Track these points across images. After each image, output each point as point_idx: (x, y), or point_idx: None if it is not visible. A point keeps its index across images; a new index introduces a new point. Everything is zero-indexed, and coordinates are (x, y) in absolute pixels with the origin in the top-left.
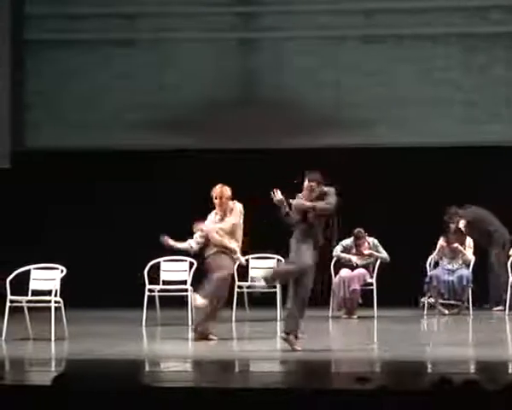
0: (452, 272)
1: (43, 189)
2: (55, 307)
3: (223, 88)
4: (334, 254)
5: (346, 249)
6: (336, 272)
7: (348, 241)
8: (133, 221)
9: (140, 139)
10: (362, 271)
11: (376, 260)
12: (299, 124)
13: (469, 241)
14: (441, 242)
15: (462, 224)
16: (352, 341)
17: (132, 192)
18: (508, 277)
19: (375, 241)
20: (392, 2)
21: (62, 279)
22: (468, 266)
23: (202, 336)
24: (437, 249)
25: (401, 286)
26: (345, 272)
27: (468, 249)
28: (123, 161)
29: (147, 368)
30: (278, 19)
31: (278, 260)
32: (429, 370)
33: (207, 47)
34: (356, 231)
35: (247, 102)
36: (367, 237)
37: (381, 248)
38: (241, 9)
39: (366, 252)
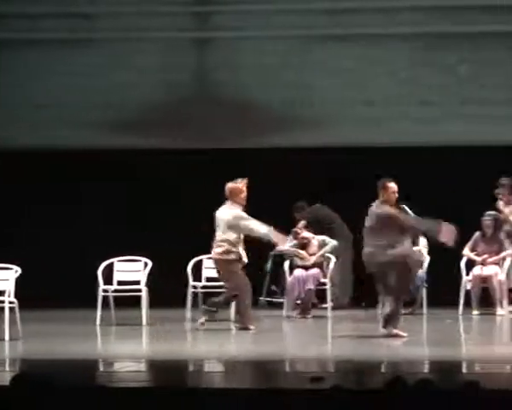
0: None
1: None
2: (10, 308)
3: (178, 87)
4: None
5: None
6: (291, 273)
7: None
8: (86, 221)
9: (95, 139)
10: (316, 271)
11: (329, 260)
12: (255, 123)
13: (423, 240)
14: None
15: (301, 224)
16: (306, 340)
17: (83, 192)
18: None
19: (325, 238)
20: (352, 2)
21: (17, 279)
22: (422, 265)
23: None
24: None
25: (357, 287)
26: (299, 271)
27: (423, 249)
28: (77, 160)
29: (101, 368)
30: (234, 18)
31: None
32: (383, 369)
33: (163, 46)
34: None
35: (202, 102)
36: (316, 236)
37: (327, 240)
38: (197, 9)
39: (314, 253)
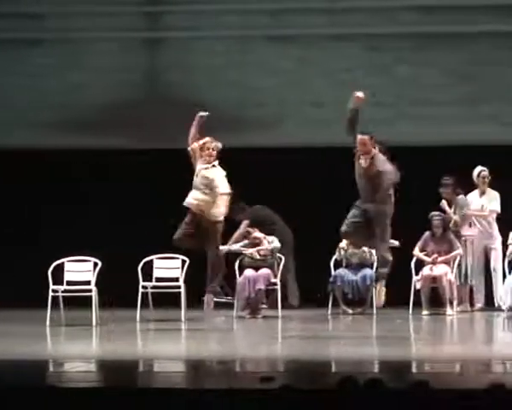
0: (356, 271)
1: None
2: None
3: (129, 88)
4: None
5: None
6: (241, 272)
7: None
8: (38, 221)
9: (47, 139)
10: (266, 271)
11: (280, 260)
12: (206, 124)
13: None
14: (343, 243)
15: (244, 223)
16: (257, 340)
17: (35, 192)
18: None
19: (273, 238)
20: (297, 3)
21: None
22: (371, 265)
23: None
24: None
25: (306, 286)
26: (249, 271)
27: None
28: (28, 161)
29: (51, 368)
30: (185, 18)
31: (183, 260)
32: (333, 369)
33: (115, 46)
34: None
35: (153, 102)
36: (268, 237)
37: (275, 244)
38: (148, 9)
39: (262, 253)
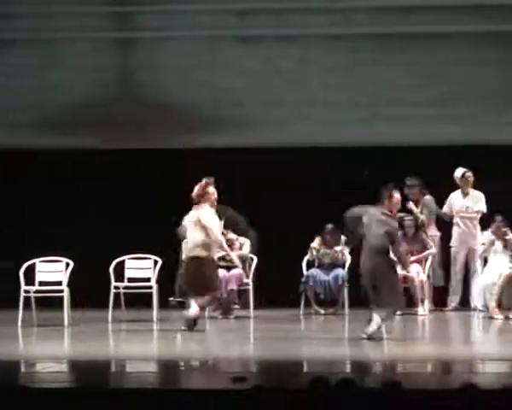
0: (328, 271)
1: None
2: None
3: (102, 88)
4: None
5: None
6: None
7: None
8: (12, 221)
9: (21, 139)
10: (239, 271)
11: (252, 261)
12: (177, 124)
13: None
14: (315, 243)
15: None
16: (229, 341)
17: (12, 192)
18: None
19: (245, 240)
20: (266, 3)
21: None
22: (343, 265)
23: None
24: (311, 249)
25: (279, 286)
26: (222, 272)
27: (345, 249)
28: (4, 160)
29: (23, 369)
30: (156, 18)
31: (155, 260)
32: (305, 369)
33: (88, 46)
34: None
35: (125, 102)
36: (240, 238)
37: (245, 247)
38: (120, 9)
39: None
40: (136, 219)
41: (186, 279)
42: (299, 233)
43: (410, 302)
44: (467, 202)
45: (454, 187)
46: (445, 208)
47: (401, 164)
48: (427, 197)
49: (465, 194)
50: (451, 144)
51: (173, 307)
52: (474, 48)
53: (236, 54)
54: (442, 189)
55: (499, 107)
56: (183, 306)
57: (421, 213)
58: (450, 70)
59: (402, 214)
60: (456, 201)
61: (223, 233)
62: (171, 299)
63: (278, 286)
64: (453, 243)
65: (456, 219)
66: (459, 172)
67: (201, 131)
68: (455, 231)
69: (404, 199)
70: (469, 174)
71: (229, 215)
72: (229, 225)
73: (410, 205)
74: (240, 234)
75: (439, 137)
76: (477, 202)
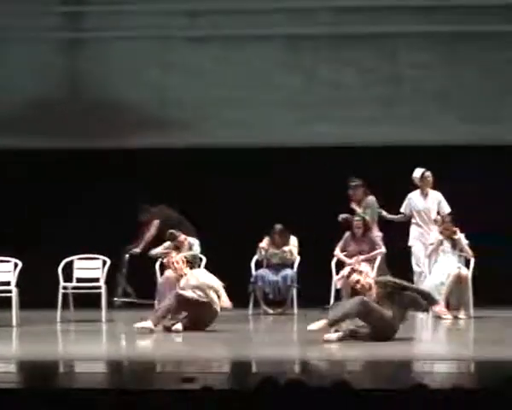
0: (277, 271)
1: None
2: None
3: (50, 88)
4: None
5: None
6: (162, 273)
7: (166, 243)
8: None
9: None
10: None
11: (201, 261)
12: (125, 124)
13: (294, 240)
14: (263, 244)
15: (155, 224)
16: (178, 341)
17: None
18: None
19: (194, 240)
20: (216, 3)
21: None
22: (292, 265)
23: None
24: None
25: (227, 286)
26: (170, 272)
27: (293, 248)
28: None
29: None
30: (104, 19)
31: (104, 261)
32: (254, 369)
33: (35, 46)
34: (169, 232)
35: (73, 102)
36: (189, 238)
37: (194, 247)
38: (70, 9)
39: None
40: (84, 219)
41: None
42: (247, 233)
43: None
44: (428, 203)
45: (399, 187)
46: (404, 209)
47: (343, 165)
48: (370, 198)
49: (425, 194)
50: (394, 145)
51: (119, 308)
52: (418, 48)
53: (186, 54)
54: (380, 190)
55: (445, 107)
56: (128, 306)
57: (365, 213)
58: (393, 70)
59: (348, 215)
60: (416, 201)
61: (174, 235)
62: (115, 299)
63: (227, 286)
64: (412, 242)
65: (416, 220)
66: (418, 172)
67: (150, 131)
68: (414, 230)
69: (348, 200)
70: (428, 174)
71: (168, 214)
72: (174, 224)
73: (353, 206)
74: (186, 233)
75: (382, 137)
76: (437, 202)
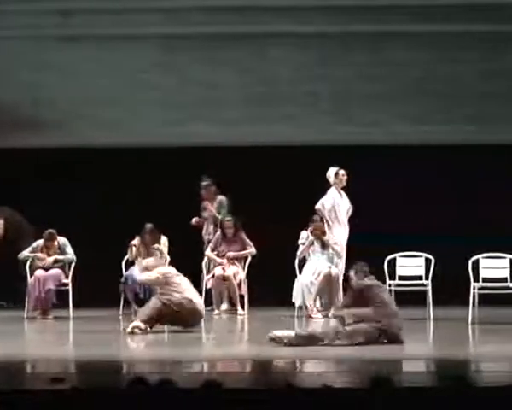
0: None
1: None
2: None
3: None
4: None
5: (34, 250)
6: (32, 274)
7: (40, 241)
8: None
9: None
10: (57, 271)
11: (70, 262)
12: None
13: (164, 239)
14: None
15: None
16: (47, 341)
17: None
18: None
19: (65, 241)
20: (88, 3)
21: None
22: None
23: None
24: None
25: (98, 287)
26: (40, 272)
27: (164, 248)
28: None
29: None
30: None
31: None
32: (125, 369)
33: None
34: (47, 232)
35: None
36: (58, 237)
37: (68, 249)
38: None
39: (53, 257)
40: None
41: None
42: (119, 233)
43: (230, 302)
44: (345, 201)
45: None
46: (328, 205)
47: (221, 164)
48: (222, 197)
49: (340, 193)
50: (269, 145)
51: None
52: (291, 49)
53: (59, 54)
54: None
55: (317, 108)
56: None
57: (219, 213)
58: (269, 70)
59: (200, 219)
60: (338, 200)
61: (53, 235)
62: None
63: (98, 286)
64: (341, 241)
65: (341, 218)
66: (332, 171)
67: (24, 131)
68: (342, 229)
69: (200, 199)
70: (343, 172)
71: (8, 214)
72: (15, 224)
73: (207, 204)
74: (22, 232)
75: (257, 137)
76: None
